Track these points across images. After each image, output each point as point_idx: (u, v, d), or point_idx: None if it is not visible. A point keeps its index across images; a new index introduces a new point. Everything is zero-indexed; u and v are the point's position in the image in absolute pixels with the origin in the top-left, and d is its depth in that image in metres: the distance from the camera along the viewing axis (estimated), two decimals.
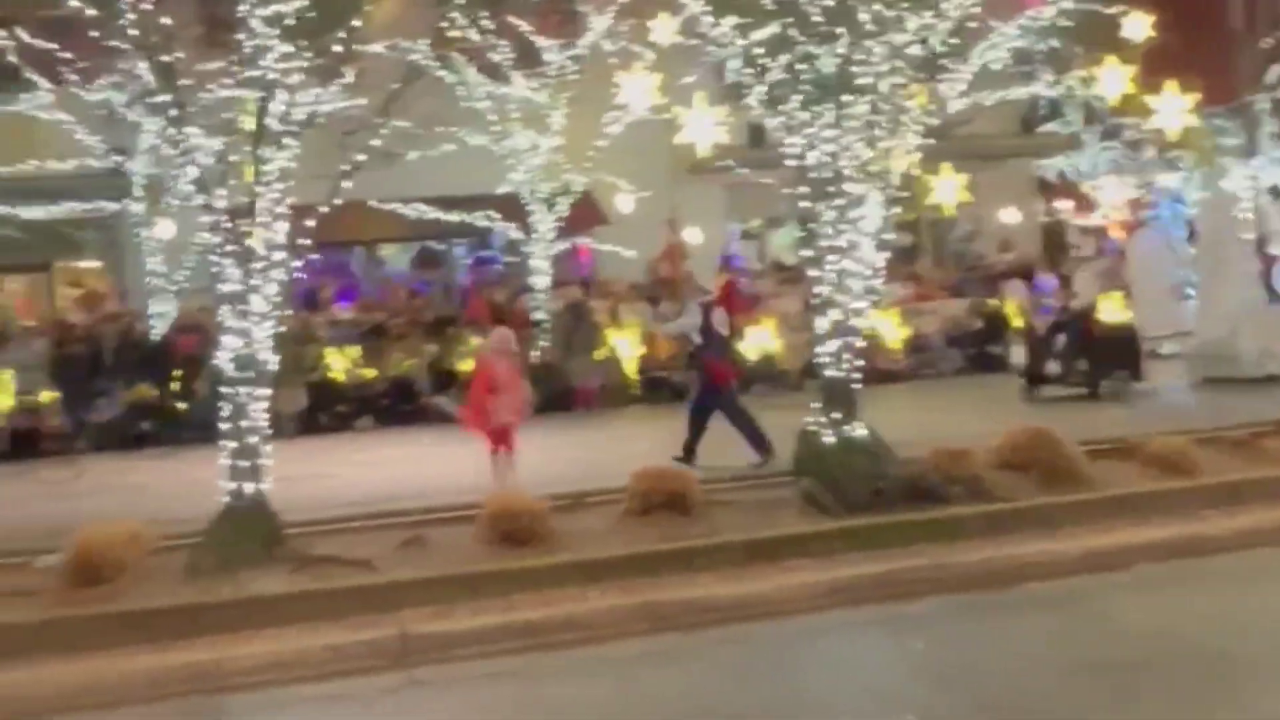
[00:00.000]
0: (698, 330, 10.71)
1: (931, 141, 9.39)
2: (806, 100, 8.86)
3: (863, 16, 8.67)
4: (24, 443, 14.24)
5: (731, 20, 9.01)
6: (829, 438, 8.78)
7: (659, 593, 7.21)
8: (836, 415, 8.82)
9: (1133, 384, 13.70)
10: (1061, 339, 14.15)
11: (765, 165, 15.96)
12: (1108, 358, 13.74)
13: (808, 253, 9.20)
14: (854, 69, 8.72)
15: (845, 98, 8.77)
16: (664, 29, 16.58)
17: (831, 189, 8.84)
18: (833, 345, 8.92)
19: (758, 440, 10.17)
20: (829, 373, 8.96)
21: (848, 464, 8.53)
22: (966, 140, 16.41)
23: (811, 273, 9.12)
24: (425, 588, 7.28)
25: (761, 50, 8.94)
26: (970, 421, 11.35)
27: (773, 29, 8.88)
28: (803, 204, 9.03)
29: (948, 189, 10.15)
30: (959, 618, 6.95)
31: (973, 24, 9.50)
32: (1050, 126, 22.47)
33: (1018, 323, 17.06)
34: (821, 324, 8.99)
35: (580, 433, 13.39)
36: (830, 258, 8.88)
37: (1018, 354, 15.75)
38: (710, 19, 9.30)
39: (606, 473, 9.34)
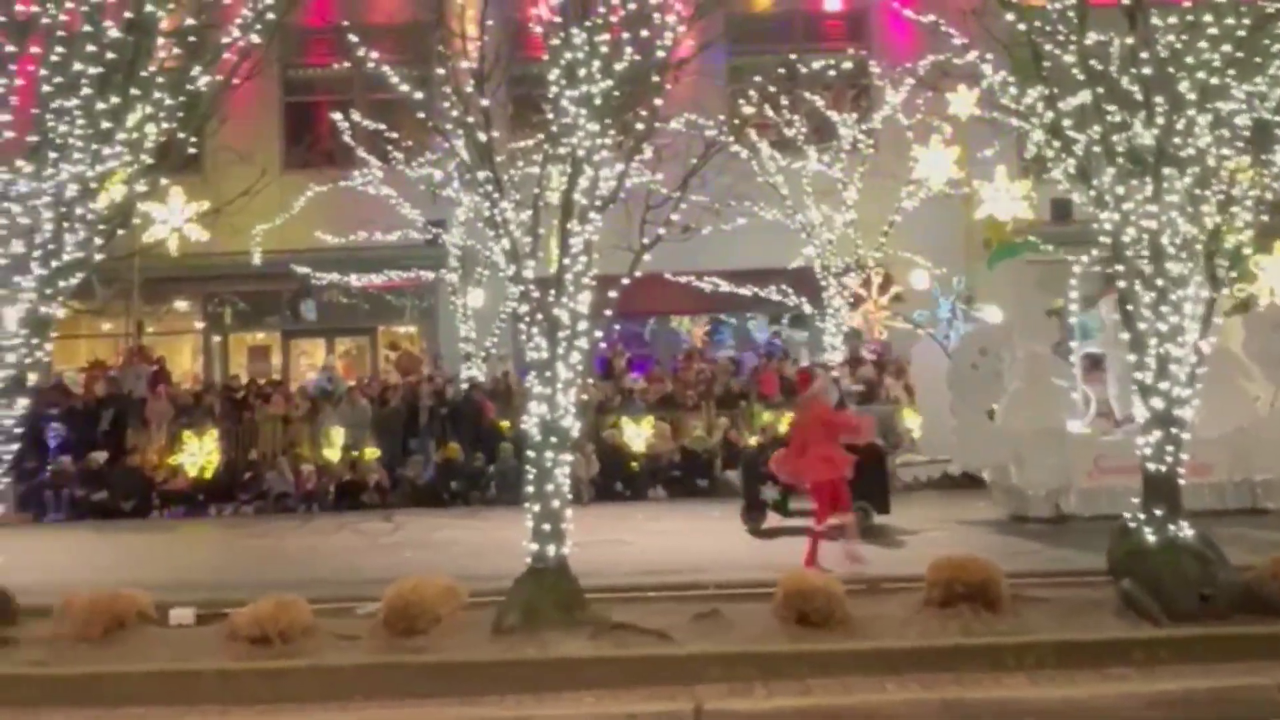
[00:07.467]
0: None
1: (1265, 218, 8.72)
2: (1120, 174, 8.39)
3: (1182, 86, 8.18)
4: (347, 495, 15.35)
5: (1037, 90, 8.68)
6: (1151, 536, 8.19)
7: (964, 690, 6.91)
8: (1159, 511, 8.22)
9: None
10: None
11: (1071, 241, 15.39)
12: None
13: (1125, 336, 8.68)
14: (1175, 140, 8.21)
15: (1165, 170, 8.26)
16: (963, 102, 16.36)
17: (1150, 269, 8.33)
18: (1154, 436, 8.34)
19: None
20: (1150, 465, 8.37)
21: (1173, 566, 7.90)
22: None
23: (1129, 358, 8.59)
24: (721, 663, 7.29)
25: (1069, 121, 8.56)
26: None
27: (1081, 99, 8.51)
28: (1118, 284, 8.54)
29: None
30: None
31: None
32: None
33: None
34: (1141, 413, 8.44)
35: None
36: (1151, 341, 8.35)
37: None
38: (1013, 90, 9.04)
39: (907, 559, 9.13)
